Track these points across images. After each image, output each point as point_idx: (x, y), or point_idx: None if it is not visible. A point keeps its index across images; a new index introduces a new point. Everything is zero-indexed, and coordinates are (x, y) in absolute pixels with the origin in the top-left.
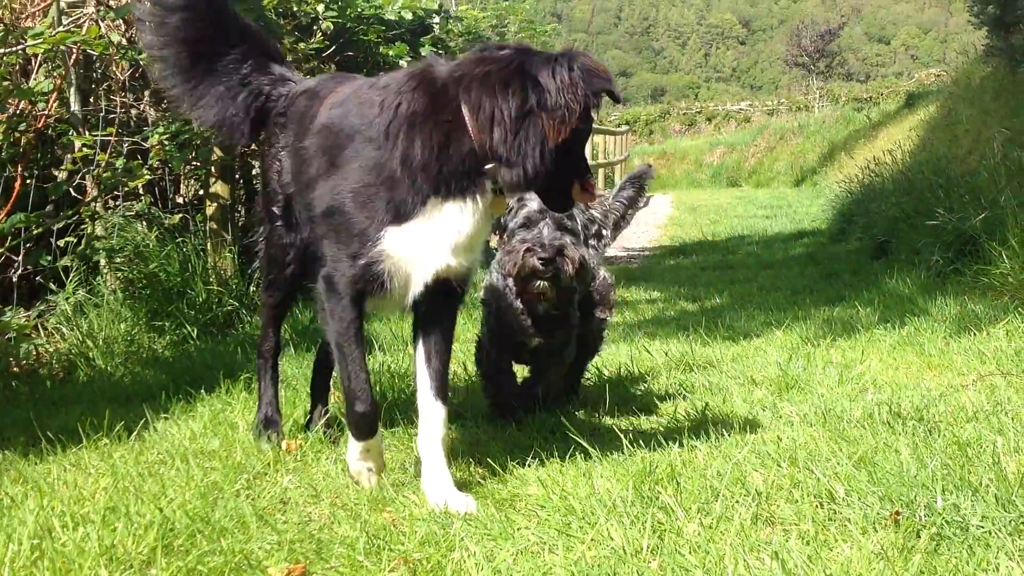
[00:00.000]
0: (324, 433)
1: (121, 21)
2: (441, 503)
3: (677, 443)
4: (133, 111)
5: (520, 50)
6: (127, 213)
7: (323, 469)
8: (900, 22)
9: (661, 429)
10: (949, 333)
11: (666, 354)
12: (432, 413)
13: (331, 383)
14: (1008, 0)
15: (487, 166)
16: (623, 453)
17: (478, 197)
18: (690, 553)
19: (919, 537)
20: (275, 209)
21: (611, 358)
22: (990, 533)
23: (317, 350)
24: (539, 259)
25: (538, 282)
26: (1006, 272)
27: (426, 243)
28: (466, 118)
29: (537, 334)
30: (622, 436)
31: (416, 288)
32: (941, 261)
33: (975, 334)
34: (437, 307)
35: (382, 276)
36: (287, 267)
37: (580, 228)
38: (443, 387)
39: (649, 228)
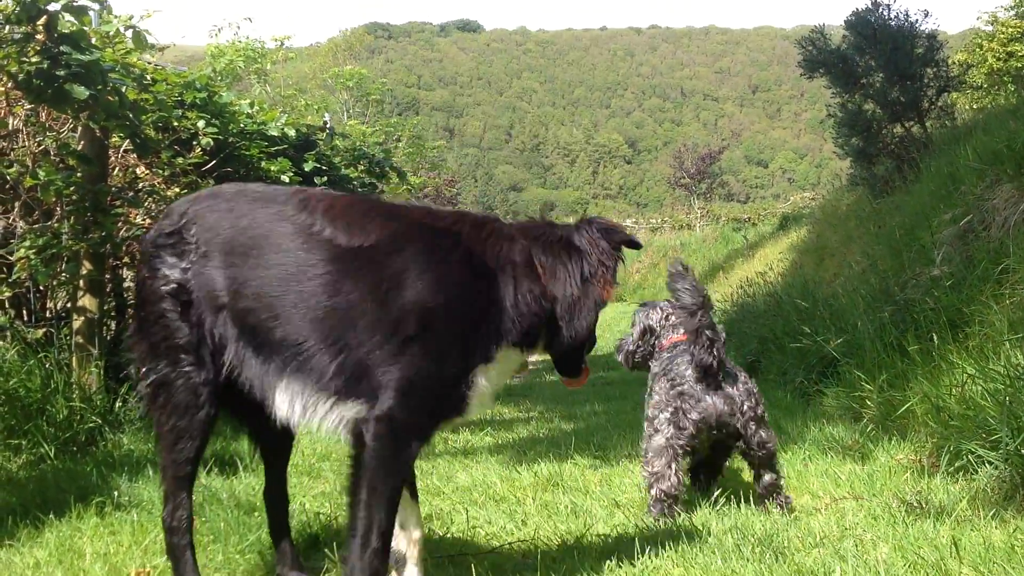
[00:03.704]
0: None
1: None
2: None
3: (534, 570)
4: (0, 223)
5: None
6: None
7: None
8: (777, 147)
9: (516, 555)
10: (808, 456)
11: (535, 474)
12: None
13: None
14: (870, 133)
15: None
16: None
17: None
18: None
19: None
20: (178, 344)
21: (481, 477)
22: None
23: (266, 480)
24: None
25: None
26: (865, 395)
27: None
28: None
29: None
30: (473, 564)
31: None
32: (805, 383)
33: (832, 457)
34: None
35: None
36: (200, 410)
37: None
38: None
39: None
